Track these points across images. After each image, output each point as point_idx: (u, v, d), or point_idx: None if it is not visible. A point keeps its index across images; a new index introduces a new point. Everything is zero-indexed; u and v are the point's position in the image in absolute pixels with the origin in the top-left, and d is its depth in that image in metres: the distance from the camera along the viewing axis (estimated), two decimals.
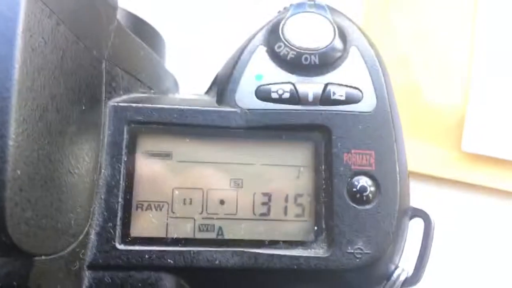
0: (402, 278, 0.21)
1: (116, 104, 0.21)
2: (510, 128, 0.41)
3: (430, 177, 0.39)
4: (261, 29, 0.23)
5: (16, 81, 0.16)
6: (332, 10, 0.23)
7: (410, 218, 0.22)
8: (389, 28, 0.43)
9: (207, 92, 0.24)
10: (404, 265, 0.22)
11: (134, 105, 0.21)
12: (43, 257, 0.17)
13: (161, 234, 0.20)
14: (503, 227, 0.38)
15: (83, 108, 0.19)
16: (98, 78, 0.20)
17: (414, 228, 0.23)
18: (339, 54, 0.22)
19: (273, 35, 0.22)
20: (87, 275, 0.19)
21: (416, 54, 0.42)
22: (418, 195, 0.40)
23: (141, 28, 0.26)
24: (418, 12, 0.44)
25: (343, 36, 0.22)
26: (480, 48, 0.41)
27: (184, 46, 0.36)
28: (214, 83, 0.24)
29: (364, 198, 0.20)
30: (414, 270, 0.21)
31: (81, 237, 0.19)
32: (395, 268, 0.21)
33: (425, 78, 0.41)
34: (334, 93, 0.21)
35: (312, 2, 0.23)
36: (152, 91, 0.24)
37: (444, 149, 0.40)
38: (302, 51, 0.21)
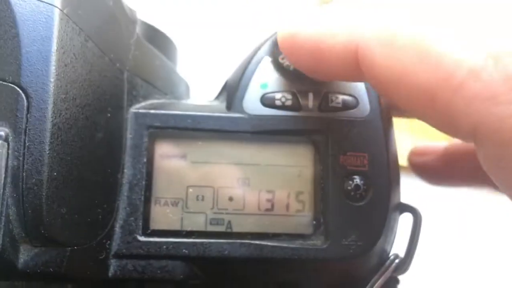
0: (392, 266, 0.24)
1: (136, 111, 0.23)
2: None
3: None
4: (267, 40, 0.25)
5: (51, 93, 0.19)
6: None
7: (401, 213, 0.25)
8: None
9: (217, 98, 0.26)
10: (395, 255, 0.24)
11: (152, 111, 0.23)
12: (75, 247, 0.20)
13: (176, 227, 0.22)
14: (494, 218, 0.40)
15: (108, 115, 0.22)
16: (121, 87, 0.23)
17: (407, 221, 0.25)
18: None
19: (277, 47, 0.24)
20: (112, 263, 0.22)
21: None
22: (419, 187, 0.43)
23: (155, 37, 0.28)
24: None
25: None
26: None
27: (194, 52, 0.38)
28: (223, 89, 0.26)
29: (358, 195, 0.22)
30: (403, 259, 0.24)
31: (107, 230, 0.21)
32: (387, 257, 0.24)
33: None
34: (331, 101, 0.23)
35: None
36: (167, 96, 0.26)
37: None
38: None
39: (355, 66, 0.19)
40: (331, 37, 0.19)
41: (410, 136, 0.41)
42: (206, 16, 0.42)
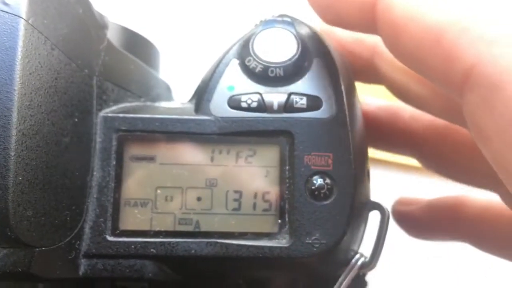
0: (359, 263, 0.24)
1: (105, 115, 0.24)
2: None
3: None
4: (235, 43, 0.25)
5: (16, 101, 0.20)
6: (298, 23, 0.25)
7: (369, 211, 0.25)
8: None
9: (190, 100, 0.27)
10: (363, 252, 0.25)
11: (121, 115, 0.24)
12: (43, 248, 0.21)
13: (145, 227, 0.23)
14: None
15: (76, 120, 0.22)
16: (90, 93, 0.23)
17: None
18: (302, 65, 0.24)
19: (244, 49, 0.25)
20: (82, 262, 0.22)
21: None
22: (408, 185, 0.43)
23: (133, 41, 0.29)
24: None
25: (306, 48, 0.24)
26: None
27: (181, 54, 0.39)
28: (195, 92, 0.26)
29: (322, 195, 0.23)
30: (370, 256, 0.24)
31: (76, 231, 0.22)
32: (354, 255, 0.24)
33: None
34: (296, 102, 0.24)
35: (280, 18, 0.25)
36: (142, 99, 0.27)
37: None
38: (268, 64, 0.24)
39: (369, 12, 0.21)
40: None
41: None
42: (194, 18, 0.43)
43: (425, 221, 0.32)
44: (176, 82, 0.33)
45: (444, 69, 0.19)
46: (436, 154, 0.30)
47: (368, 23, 0.21)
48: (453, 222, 0.31)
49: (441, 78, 0.19)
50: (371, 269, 0.24)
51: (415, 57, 0.20)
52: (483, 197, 0.30)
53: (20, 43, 0.20)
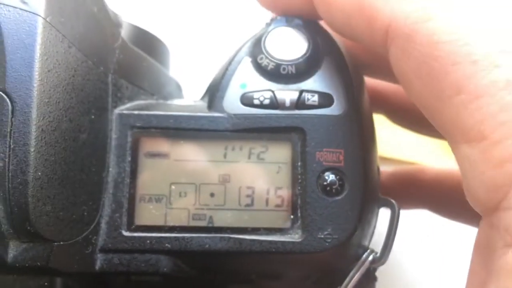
0: (370, 258, 0.24)
1: (121, 112, 0.24)
2: None
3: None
4: (247, 41, 0.26)
5: (35, 98, 0.20)
6: (309, 23, 0.26)
7: (380, 207, 0.25)
8: None
9: (202, 98, 0.27)
10: (373, 248, 0.25)
11: (136, 112, 0.24)
12: (61, 243, 0.21)
13: (160, 222, 0.23)
14: None
15: (92, 117, 0.23)
16: (105, 90, 0.24)
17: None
18: (313, 63, 0.24)
19: (256, 47, 0.25)
20: (99, 257, 0.23)
21: None
22: None
23: (144, 39, 0.29)
24: None
25: (317, 46, 0.25)
26: None
27: (189, 54, 0.39)
28: (207, 89, 0.27)
29: (334, 190, 0.23)
30: (381, 251, 0.24)
31: (93, 226, 0.23)
32: (365, 250, 0.25)
33: None
34: (308, 99, 0.24)
35: (291, 17, 0.25)
36: (155, 97, 0.27)
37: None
38: (280, 62, 0.24)
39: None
40: None
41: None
42: (202, 17, 0.43)
43: (389, 191, 0.33)
44: (185, 81, 0.34)
45: (369, 31, 0.21)
46: (401, 109, 0.33)
47: (308, 6, 0.24)
48: (413, 190, 0.34)
49: (369, 39, 0.22)
50: (381, 264, 0.24)
51: (346, 26, 0.23)
52: (439, 166, 0.34)
53: (39, 40, 0.20)
